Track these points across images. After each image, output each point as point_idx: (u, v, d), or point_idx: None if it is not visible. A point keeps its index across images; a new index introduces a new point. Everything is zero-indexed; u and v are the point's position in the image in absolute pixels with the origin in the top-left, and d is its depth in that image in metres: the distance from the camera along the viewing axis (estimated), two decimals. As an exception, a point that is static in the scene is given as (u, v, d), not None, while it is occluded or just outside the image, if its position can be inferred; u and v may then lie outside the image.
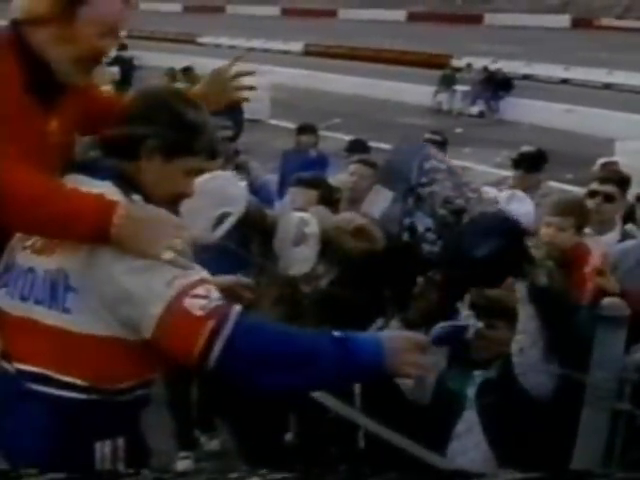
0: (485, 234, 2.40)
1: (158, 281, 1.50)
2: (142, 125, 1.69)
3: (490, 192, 2.98)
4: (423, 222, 2.55)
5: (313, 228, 2.48)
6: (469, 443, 2.39)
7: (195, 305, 1.48)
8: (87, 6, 1.69)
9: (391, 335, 1.63)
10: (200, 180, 1.82)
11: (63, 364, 1.54)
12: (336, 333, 1.53)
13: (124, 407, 1.60)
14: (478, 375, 2.45)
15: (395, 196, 2.60)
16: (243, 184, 2.97)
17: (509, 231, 2.47)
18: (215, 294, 1.53)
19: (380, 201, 2.64)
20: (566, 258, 2.94)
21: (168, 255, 1.52)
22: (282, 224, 2.51)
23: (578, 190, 5.59)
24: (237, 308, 1.51)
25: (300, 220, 2.50)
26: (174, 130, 1.69)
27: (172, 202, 1.73)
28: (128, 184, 1.66)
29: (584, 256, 3.05)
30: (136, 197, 1.65)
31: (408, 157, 2.68)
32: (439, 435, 2.38)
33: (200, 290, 1.51)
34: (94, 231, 1.52)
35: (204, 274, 1.57)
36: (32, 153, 1.64)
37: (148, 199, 1.67)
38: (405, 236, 2.58)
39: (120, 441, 1.60)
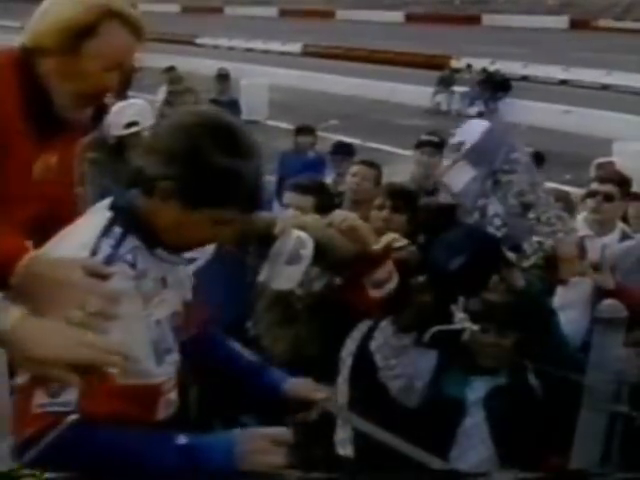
0: (456, 248, 2.43)
1: None
2: (158, 161, 1.45)
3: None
4: (494, 207, 2.67)
5: (308, 252, 2.50)
6: (472, 447, 2.38)
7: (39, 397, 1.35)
8: (93, 40, 1.64)
9: (246, 435, 1.49)
10: None
11: None
12: (182, 440, 1.41)
13: None
14: (483, 381, 2.43)
15: (476, 175, 2.70)
16: None
17: (480, 244, 2.50)
18: (69, 396, 1.35)
19: (462, 176, 2.74)
20: (553, 254, 2.97)
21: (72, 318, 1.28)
22: (281, 239, 2.52)
23: (576, 191, 5.60)
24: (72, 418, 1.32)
25: (298, 240, 2.51)
26: (197, 177, 1.43)
27: (193, 248, 1.60)
28: (133, 222, 1.50)
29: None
30: (130, 239, 1.49)
31: (498, 142, 2.77)
32: (438, 439, 2.37)
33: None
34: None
35: None
36: (12, 181, 1.61)
37: (159, 242, 1.51)
38: (475, 215, 2.68)
39: None
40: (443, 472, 1.59)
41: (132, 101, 4.79)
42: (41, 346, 1.19)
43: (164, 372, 1.54)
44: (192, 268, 2.54)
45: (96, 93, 1.69)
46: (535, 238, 2.64)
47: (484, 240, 2.56)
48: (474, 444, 2.38)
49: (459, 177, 2.72)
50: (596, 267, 2.66)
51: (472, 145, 2.76)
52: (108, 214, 1.51)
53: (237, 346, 1.85)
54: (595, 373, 2.21)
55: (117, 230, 1.49)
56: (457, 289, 2.41)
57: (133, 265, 1.48)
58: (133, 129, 4.30)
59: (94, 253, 1.44)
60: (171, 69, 11.27)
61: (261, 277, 2.59)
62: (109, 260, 1.44)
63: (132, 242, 1.49)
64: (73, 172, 1.79)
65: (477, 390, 2.43)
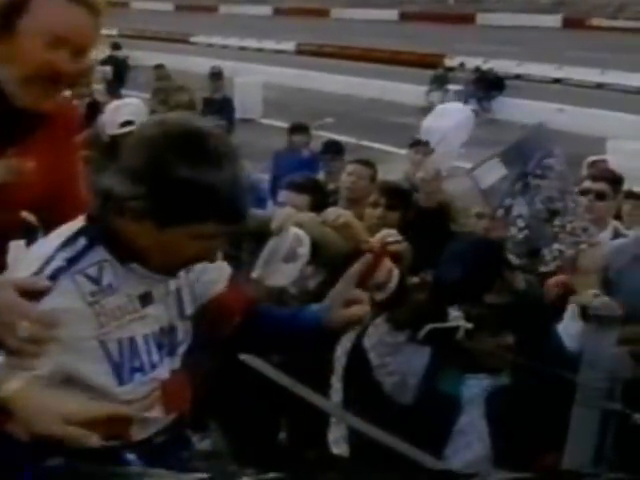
0: (457, 259, 2.44)
1: None
2: (124, 180, 1.33)
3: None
4: (519, 208, 2.70)
5: (305, 250, 2.50)
6: (468, 445, 2.38)
7: None
8: (27, 16, 1.46)
9: None
10: None
11: None
12: None
13: None
14: (480, 379, 2.43)
15: (507, 175, 2.72)
16: None
17: (482, 253, 2.51)
18: None
19: (492, 173, 2.76)
20: None
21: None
22: (278, 236, 2.52)
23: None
24: None
25: (296, 237, 2.51)
26: (165, 193, 1.32)
27: (181, 267, 1.48)
28: (103, 233, 1.40)
29: None
30: (98, 251, 1.40)
31: (534, 146, 2.80)
32: (433, 437, 2.37)
33: None
34: None
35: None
36: None
37: (134, 257, 1.41)
38: (499, 213, 2.71)
39: None
40: (438, 472, 1.60)
41: (127, 100, 4.79)
42: (35, 423, 1.21)
43: (130, 391, 1.42)
44: None
45: (45, 75, 1.49)
46: (556, 246, 2.66)
47: (488, 248, 2.57)
48: (470, 442, 2.37)
49: (489, 174, 2.75)
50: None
51: (509, 144, 2.82)
52: (79, 224, 1.43)
53: (278, 311, 1.81)
54: (588, 371, 2.21)
55: (82, 242, 1.40)
56: (460, 297, 2.41)
57: (96, 280, 1.38)
58: (128, 128, 4.30)
59: (46, 265, 1.35)
60: (159, 67, 11.31)
61: (255, 274, 2.59)
62: (56, 274, 1.35)
63: (99, 255, 1.40)
64: (64, 175, 1.63)
65: (474, 388, 2.43)
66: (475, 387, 2.43)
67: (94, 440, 1.20)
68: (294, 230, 2.52)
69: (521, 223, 2.69)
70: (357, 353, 2.62)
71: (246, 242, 2.80)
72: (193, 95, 8.62)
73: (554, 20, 40.47)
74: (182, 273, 1.52)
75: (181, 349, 1.55)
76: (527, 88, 19.15)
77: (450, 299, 2.43)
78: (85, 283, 1.37)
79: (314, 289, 2.71)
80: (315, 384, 2.48)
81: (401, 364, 2.46)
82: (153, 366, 1.47)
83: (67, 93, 1.78)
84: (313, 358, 2.54)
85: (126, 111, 4.43)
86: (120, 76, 13.38)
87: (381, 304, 2.39)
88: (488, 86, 17.76)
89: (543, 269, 2.77)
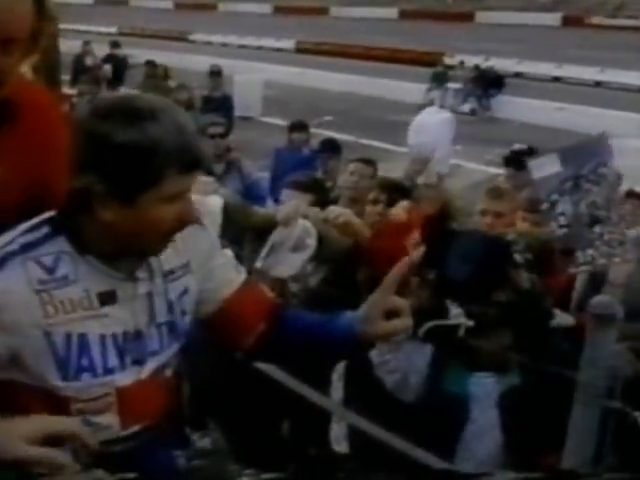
0: (463, 257, 2.44)
1: None
2: (77, 172, 1.30)
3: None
4: (564, 206, 2.74)
5: (313, 241, 2.51)
6: (479, 445, 2.37)
7: None
8: None
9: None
10: None
11: None
12: None
13: None
14: (489, 377, 2.42)
15: (561, 172, 2.76)
16: (218, 208, 2.94)
17: (487, 252, 2.51)
18: None
19: (547, 167, 2.80)
20: (545, 249, 3.01)
21: None
22: (287, 227, 2.53)
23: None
24: None
25: (304, 229, 2.52)
26: (113, 165, 1.28)
27: (164, 242, 1.41)
28: (65, 223, 1.37)
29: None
30: (60, 241, 1.36)
31: (594, 152, 2.85)
32: (442, 436, 2.34)
33: None
34: None
35: None
36: None
37: (92, 249, 1.36)
38: (544, 206, 2.74)
39: None
40: (441, 472, 1.59)
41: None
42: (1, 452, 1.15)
43: (74, 388, 1.38)
44: None
45: None
46: (590, 251, 2.70)
47: (495, 246, 2.58)
48: (482, 442, 2.36)
49: (544, 167, 2.78)
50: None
51: (573, 144, 2.87)
52: (48, 214, 1.39)
53: (307, 315, 1.71)
54: (588, 369, 2.21)
55: (44, 230, 1.36)
56: (467, 295, 2.41)
57: (49, 269, 1.34)
58: None
59: (1, 248, 1.34)
60: (149, 63, 11.36)
61: (258, 264, 2.59)
62: (6, 257, 1.32)
63: (59, 245, 1.35)
64: (46, 172, 1.50)
65: (482, 387, 2.41)
66: (483, 386, 2.42)
67: (64, 457, 1.15)
68: (302, 221, 2.53)
69: (562, 221, 2.74)
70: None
71: (248, 240, 2.82)
72: (192, 93, 8.64)
73: (554, 18, 40.50)
74: (157, 279, 1.45)
75: (153, 361, 1.47)
76: (526, 86, 19.15)
77: (457, 297, 2.42)
78: (35, 270, 1.33)
79: (315, 286, 2.71)
80: (315, 382, 2.48)
81: (402, 361, 2.45)
82: (108, 370, 1.40)
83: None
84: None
85: None
86: (119, 74, 13.36)
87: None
88: (487, 84, 17.75)
89: (572, 270, 2.82)
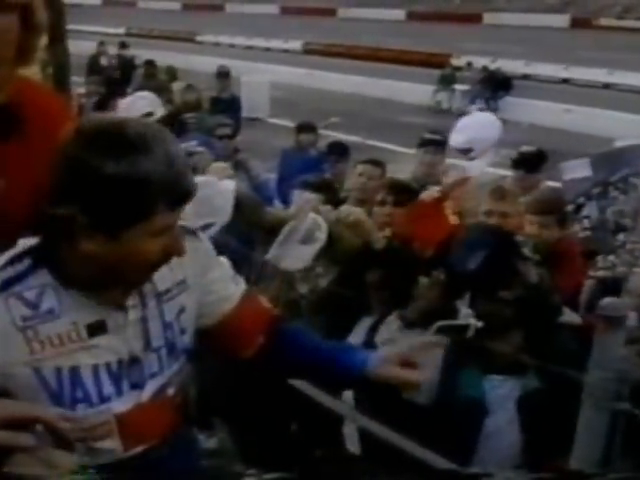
0: (471, 248, 2.43)
1: None
2: (60, 200, 1.23)
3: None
4: (590, 209, 2.81)
5: (323, 234, 2.52)
6: (499, 448, 2.36)
7: None
8: None
9: None
10: None
11: None
12: None
13: None
14: (503, 380, 2.42)
15: (590, 177, 2.81)
16: (229, 189, 2.96)
17: (495, 242, 2.50)
18: None
19: (578, 170, 2.86)
20: (553, 251, 3.01)
21: None
22: (297, 219, 2.53)
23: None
24: None
25: (314, 222, 2.53)
26: (99, 198, 1.21)
27: (150, 273, 1.36)
28: (47, 255, 1.31)
29: (571, 248, 3.13)
30: (42, 274, 1.31)
31: (625, 162, 2.88)
32: (460, 440, 2.33)
33: None
34: None
35: None
36: None
37: (76, 282, 1.31)
38: (570, 207, 2.80)
39: None
40: (444, 472, 1.59)
41: (140, 94, 4.80)
42: None
43: (75, 418, 1.34)
44: (211, 232, 2.57)
45: None
46: (611, 257, 2.71)
47: (501, 237, 2.56)
48: (500, 445, 2.35)
49: (575, 170, 2.82)
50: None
51: (608, 150, 2.91)
52: (29, 242, 1.34)
53: (316, 338, 1.67)
54: (596, 371, 2.20)
55: (25, 263, 1.31)
56: (475, 288, 2.40)
57: (33, 304, 1.30)
58: (150, 120, 4.34)
59: None
60: (148, 63, 11.42)
61: (269, 255, 2.60)
62: None
63: (42, 279, 1.31)
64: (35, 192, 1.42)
65: (498, 390, 2.40)
66: (499, 388, 2.41)
67: (24, 439, 1.13)
68: (313, 215, 2.54)
69: (587, 224, 2.77)
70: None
71: (258, 241, 2.82)
72: (200, 94, 8.65)
73: (562, 20, 40.42)
74: (150, 302, 1.41)
75: (153, 383, 1.45)
76: (535, 88, 19.11)
77: (464, 289, 2.42)
78: (18, 306, 1.29)
79: (324, 288, 2.72)
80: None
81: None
82: (104, 399, 1.38)
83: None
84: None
85: (144, 104, 4.48)
86: (127, 75, 13.39)
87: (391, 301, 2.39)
88: (495, 86, 17.73)
89: (591, 273, 2.84)
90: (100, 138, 1.22)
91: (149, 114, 4.37)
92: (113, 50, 14.57)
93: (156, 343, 1.43)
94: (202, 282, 1.51)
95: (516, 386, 2.40)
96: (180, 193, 1.28)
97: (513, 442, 2.35)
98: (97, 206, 1.22)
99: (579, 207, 2.81)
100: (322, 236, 2.51)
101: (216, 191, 2.79)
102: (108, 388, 1.39)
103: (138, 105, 4.42)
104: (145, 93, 4.94)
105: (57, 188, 1.24)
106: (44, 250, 1.32)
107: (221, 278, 1.55)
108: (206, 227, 2.57)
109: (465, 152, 4.79)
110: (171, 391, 1.50)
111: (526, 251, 2.55)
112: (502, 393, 2.39)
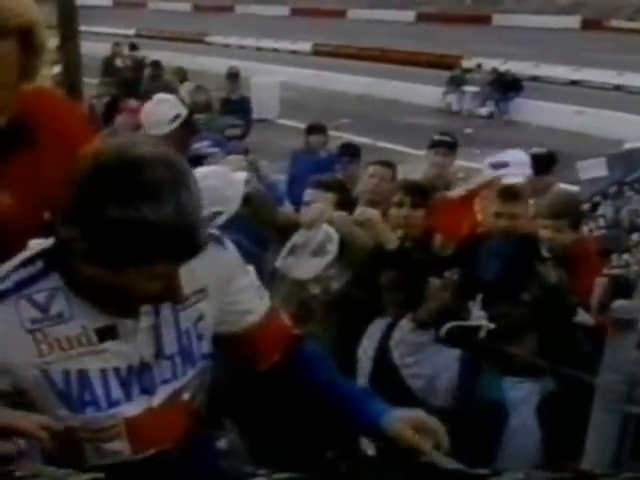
0: (495, 256, 2.44)
1: None
2: (64, 222, 1.23)
3: None
4: (605, 208, 2.85)
5: (334, 247, 2.53)
6: (520, 450, 2.35)
7: None
8: None
9: None
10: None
11: None
12: None
13: None
14: (523, 382, 2.41)
15: (607, 177, 2.86)
16: (240, 180, 2.98)
17: (519, 251, 2.51)
18: None
19: (594, 169, 2.90)
20: (568, 253, 3.01)
21: None
22: (310, 230, 2.55)
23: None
24: None
25: (327, 234, 2.54)
26: (99, 235, 1.20)
27: (159, 302, 1.36)
28: (57, 260, 1.32)
29: (586, 251, 3.14)
30: (54, 278, 1.32)
31: None
32: (481, 443, 2.32)
33: None
34: None
35: None
36: None
37: (85, 290, 1.32)
38: (585, 206, 2.83)
39: None
40: (449, 472, 1.58)
41: (161, 97, 4.80)
42: None
43: (80, 420, 1.37)
44: (218, 221, 2.59)
45: None
46: (626, 256, 2.72)
47: (524, 243, 2.58)
48: (521, 446, 2.35)
49: (591, 169, 2.85)
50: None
51: (625, 150, 2.95)
52: (43, 244, 1.35)
53: (334, 369, 1.63)
54: (608, 374, 2.20)
55: (38, 265, 1.32)
56: (495, 293, 2.41)
57: (43, 307, 1.31)
58: (178, 122, 4.36)
59: None
60: (154, 64, 11.46)
61: (279, 263, 2.61)
62: (1, 295, 1.30)
63: (53, 282, 1.31)
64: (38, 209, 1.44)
65: (518, 391, 2.40)
66: (519, 390, 2.40)
67: (7, 448, 1.18)
68: (325, 227, 2.55)
69: (602, 222, 2.79)
70: (384, 354, 2.61)
71: (272, 241, 2.83)
72: (210, 95, 8.67)
73: (573, 21, 40.28)
74: (165, 310, 1.40)
75: (166, 389, 1.44)
76: (545, 90, 19.05)
77: (486, 296, 2.42)
78: (28, 309, 1.30)
79: (337, 290, 2.72)
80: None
81: (425, 365, 2.45)
82: (113, 403, 1.38)
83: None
84: (333, 357, 2.54)
85: (169, 106, 4.49)
86: (138, 76, 13.42)
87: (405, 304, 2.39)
88: (505, 87, 17.67)
89: (605, 271, 2.86)
90: (113, 176, 1.18)
91: (177, 116, 4.38)
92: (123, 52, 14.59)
93: (169, 350, 1.43)
94: (225, 290, 1.50)
95: (534, 388, 2.40)
96: (184, 249, 1.25)
97: (532, 444, 2.35)
98: (96, 241, 1.21)
99: (595, 206, 2.82)
100: (333, 249, 2.52)
101: (226, 181, 2.81)
102: (117, 393, 1.39)
103: (162, 109, 4.42)
104: (166, 95, 4.92)
105: (65, 207, 1.23)
106: (56, 254, 1.32)
107: (246, 288, 1.54)
108: (214, 216, 2.58)
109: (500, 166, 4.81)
110: (186, 396, 1.49)
111: (545, 252, 2.56)
112: (520, 395, 2.39)
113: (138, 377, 1.40)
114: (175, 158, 1.25)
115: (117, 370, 1.38)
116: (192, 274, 1.39)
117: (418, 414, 1.51)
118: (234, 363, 1.68)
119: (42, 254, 1.34)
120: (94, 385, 1.37)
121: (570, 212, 3.30)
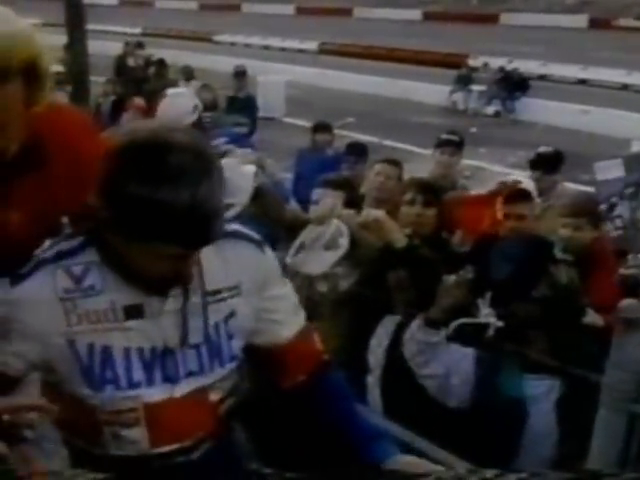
0: (508, 258, 2.44)
1: None
2: (97, 192, 1.29)
3: None
4: (622, 209, 2.89)
5: (345, 241, 2.53)
6: (539, 448, 2.35)
7: None
8: None
9: None
10: None
11: None
12: None
13: None
14: (541, 379, 2.41)
15: (623, 178, 2.89)
16: (250, 172, 2.98)
17: (531, 252, 2.51)
18: None
19: (611, 171, 2.93)
20: (585, 253, 3.01)
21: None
22: (322, 225, 2.55)
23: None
24: None
25: (337, 228, 2.55)
26: (119, 209, 1.26)
27: (168, 284, 1.38)
28: (93, 234, 1.38)
29: (604, 250, 3.14)
30: (90, 252, 1.37)
31: None
32: (502, 441, 2.32)
33: None
34: None
35: None
36: None
37: (119, 265, 1.36)
38: (602, 207, 2.86)
39: None
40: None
41: (175, 91, 4.79)
42: None
43: (99, 398, 1.39)
44: (231, 213, 2.59)
45: None
46: None
47: (536, 245, 2.58)
48: (541, 445, 2.35)
49: (608, 170, 2.86)
50: None
51: (637, 152, 2.98)
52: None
53: (353, 403, 1.62)
54: (614, 373, 2.19)
55: (79, 239, 1.39)
56: (505, 292, 2.41)
57: (77, 278, 1.36)
58: (196, 114, 4.38)
59: (42, 252, 1.39)
60: (159, 62, 11.50)
61: (289, 260, 2.61)
62: (41, 263, 1.36)
63: (90, 256, 1.37)
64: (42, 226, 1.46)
65: (537, 388, 2.40)
66: (539, 387, 2.40)
67: None
68: (336, 221, 2.56)
69: (619, 223, 2.83)
70: (395, 354, 2.61)
71: (282, 238, 2.83)
72: (216, 93, 8.68)
73: (580, 20, 40.17)
74: (194, 298, 1.42)
75: (191, 382, 1.44)
76: (552, 89, 19.01)
77: (498, 296, 2.42)
78: (64, 278, 1.35)
79: (345, 289, 2.72)
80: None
81: (437, 364, 2.45)
82: (133, 385, 1.40)
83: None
84: (341, 356, 2.55)
85: (187, 98, 4.51)
86: (145, 76, 13.44)
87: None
88: (512, 86, 17.64)
89: (622, 271, 2.86)
90: (141, 155, 1.24)
91: (196, 107, 4.40)
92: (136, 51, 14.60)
93: (194, 339, 1.43)
94: (261, 295, 1.51)
95: (553, 386, 2.41)
96: (194, 236, 1.28)
97: (550, 441, 2.35)
98: (117, 213, 1.27)
99: (612, 207, 2.84)
100: (345, 242, 2.52)
101: (236, 172, 2.81)
102: (138, 374, 1.40)
103: (180, 102, 4.42)
104: (180, 90, 4.92)
105: (99, 179, 1.28)
106: (95, 231, 1.36)
107: (282, 299, 1.55)
108: (226, 208, 2.58)
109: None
110: (215, 396, 1.49)
111: (558, 253, 2.56)
112: (539, 392, 2.39)
113: (162, 362, 1.41)
114: (204, 147, 1.30)
115: (140, 350, 1.40)
116: (226, 269, 1.44)
117: (423, 462, 1.51)
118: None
119: (84, 231, 1.40)
120: (116, 363, 1.39)
121: (591, 210, 3.31)
